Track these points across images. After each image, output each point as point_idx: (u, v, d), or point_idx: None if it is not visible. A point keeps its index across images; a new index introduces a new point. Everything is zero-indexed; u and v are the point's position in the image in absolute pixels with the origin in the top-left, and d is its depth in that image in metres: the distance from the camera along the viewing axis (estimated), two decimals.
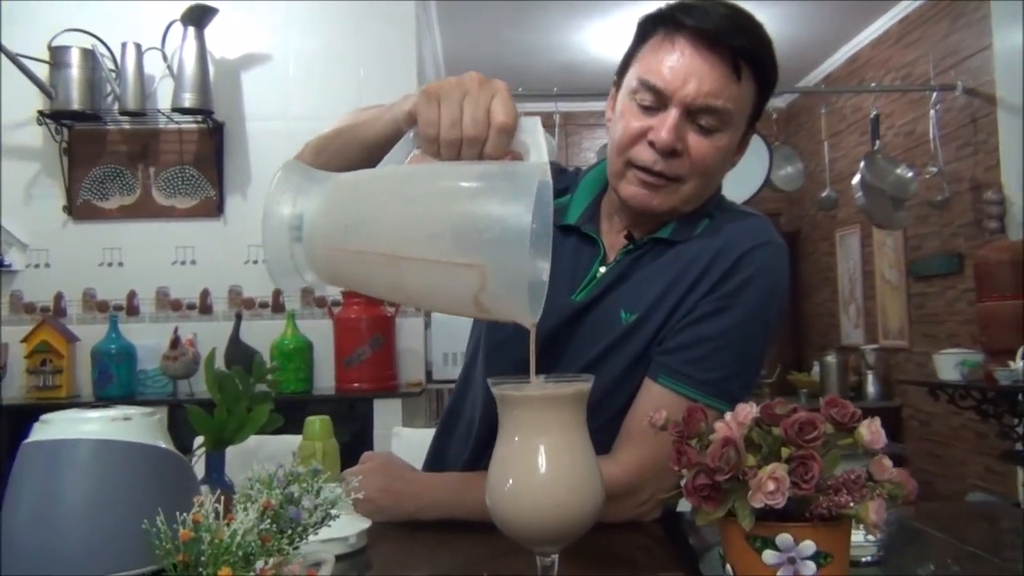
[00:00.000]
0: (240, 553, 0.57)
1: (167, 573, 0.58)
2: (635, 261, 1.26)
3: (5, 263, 4.16)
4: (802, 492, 0.62)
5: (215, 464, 2.58)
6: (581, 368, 1.22)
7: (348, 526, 1.04)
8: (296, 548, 0.70)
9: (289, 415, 2.34)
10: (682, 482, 0.71)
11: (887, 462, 0.69)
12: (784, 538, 0.64)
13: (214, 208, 4.18)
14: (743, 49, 1.16)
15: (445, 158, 0.90)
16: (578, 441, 0.79)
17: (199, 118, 4.03)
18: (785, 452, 0.64)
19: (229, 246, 4.17)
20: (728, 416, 0.69)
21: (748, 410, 0.68)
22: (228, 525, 0.60)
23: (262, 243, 0.90)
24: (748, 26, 1.18)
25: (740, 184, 4.56)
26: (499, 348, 1.32)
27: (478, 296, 0.74)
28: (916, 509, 1.33)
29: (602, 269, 1.28)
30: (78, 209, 4.16)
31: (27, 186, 4.16)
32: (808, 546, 0.64)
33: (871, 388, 5.52)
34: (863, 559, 0.95)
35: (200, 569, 0.56)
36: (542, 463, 0.77)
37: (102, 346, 3.93)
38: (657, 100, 1.18)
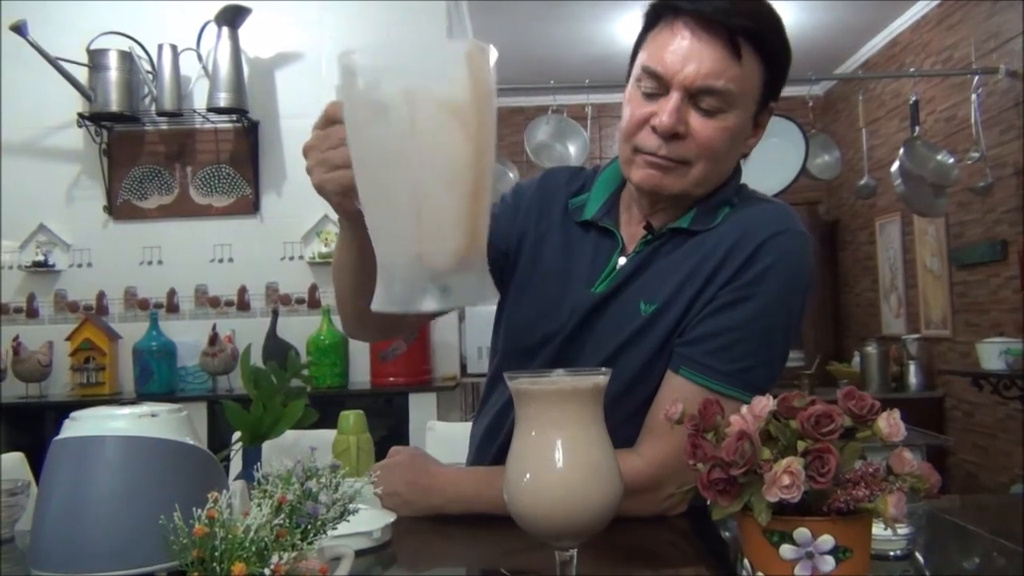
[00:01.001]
0: (253, 549, 0.57)
1: (186, 569, 0.58)
2: (654, 252, 1.25)
3: (49, 263, 4.24)
4: (819, 486, 0.62)
5: (252, 459, 2.61)
6: (602, 361, 1.21)
7: (373, 520, 1.05)
8: (311, 543, 0.70)
9: (325, 410, 2.36)
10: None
11: (907, 455, 0.68)
12: (802, 532, 0.63)
13: (250, 206, 4.22)
14: (742, 28, 1.15)
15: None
16: (595, 435, 0.79)
17: (234, 117, 4.08)
18: (802, 446, 0.63)
19: (265, 243, 4.21)
20: (744, 409, 0.68)
21: (764, 403, 0.67)
22: (243, 520, 0.60)
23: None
24: (748, 6, 1.17)
25: (776, 172, 4.50)
26: (519, 356, 1.33)
27: None
28: (960, 501, 1.30)
29: (621, 260, 1.28)
30: (118, 209, 4.23)
31: (69, 187, 4.24)
32: (826, 541, 0.63)
33: (913, 378, 5.42)
34: (891, 553, 0.93)
35: (215, 564, 0.56)
36: (558, 458, 0.77)
37: (143, 343, 4.00)
38: (659, 86, 1.19)
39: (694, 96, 1.17)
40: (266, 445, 2.59)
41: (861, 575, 0.64)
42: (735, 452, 0.63)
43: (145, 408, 0.99)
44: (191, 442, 1.01)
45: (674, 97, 1.16)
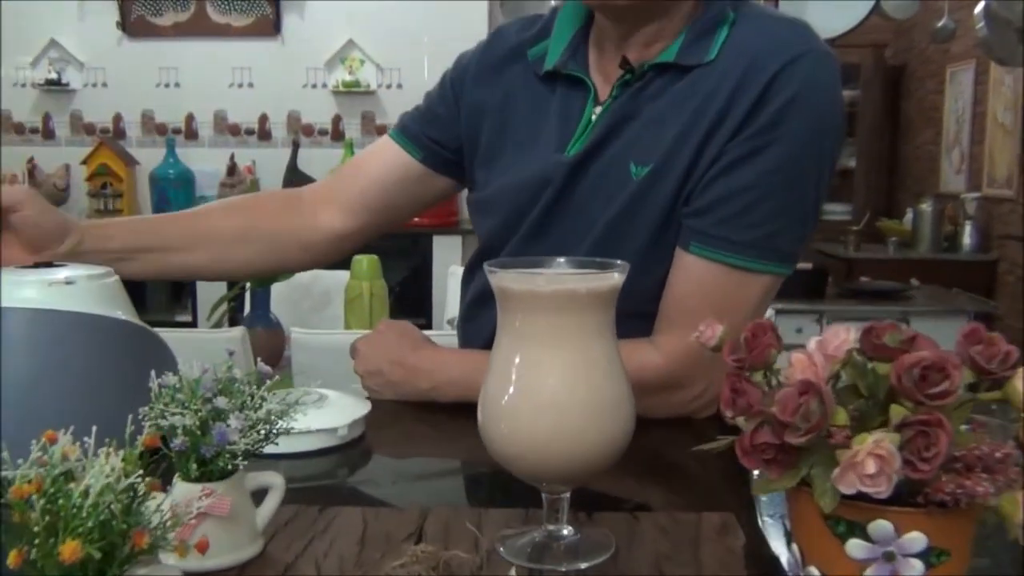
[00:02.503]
0: (92, 523, 0.40)
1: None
2: (637, 97, 0.99)
3: (63, 81, 4.04)
4: (919, 475, 0.42)
5: (260, 301, 2.47)
6: (590, 243, 0.99)
7: (339, 413, 0.88)
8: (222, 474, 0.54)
9: None
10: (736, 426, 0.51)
11: None
12: (881, 526, 0.44)
13: (270, 27, 3.94)
14: None
15: None
16: (601, 356, 0.59)
17: None
18: (897, 412, 0.43)
19: (287, 68, 3.96)
20: (812, 344, 0.47)
21: (843, 336, 0.46)
22: (92, 470, 0.43)
23: None
24: None
25: (842, 10, 4.08)
26: (481, 210, 1.12)
27: None
28: None
29: (596, 111, 1.02)
30: (132, 25, 3.98)
31: (80, 1, 3.98)
32: (916, 540, 0.44)
33: (967, 239, 5.14)
34: None
35: (36, 539, 0.40)
36: (552, 387, 0.58)
37: (160, 170, 3.85)
38: None
39: None
40: (282, 286, 2.46)
41: None
42: (795, 411, 0.44)
43: (60, 273, 0.82)
44: (121, 316, 0.84)
45: None
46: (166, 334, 1.96)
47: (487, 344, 1.10)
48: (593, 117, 1.02)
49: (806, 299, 3.74)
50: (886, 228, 5.48)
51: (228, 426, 0.56)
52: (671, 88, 0.98)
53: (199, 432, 0.56)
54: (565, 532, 0.63)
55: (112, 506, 0.42)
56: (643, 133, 0.98)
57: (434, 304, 3.48)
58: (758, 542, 0.67)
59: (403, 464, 0.92)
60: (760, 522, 0.71)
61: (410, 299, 3.52)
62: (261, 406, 0.59)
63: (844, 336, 0.47)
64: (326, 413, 0.88)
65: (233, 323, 2.65)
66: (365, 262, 2.50)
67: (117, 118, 4.09)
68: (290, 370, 2.05)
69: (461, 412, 0.97)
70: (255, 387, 0.60)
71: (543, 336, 0.59)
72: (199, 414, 0.56)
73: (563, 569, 0.60)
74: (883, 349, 0.46)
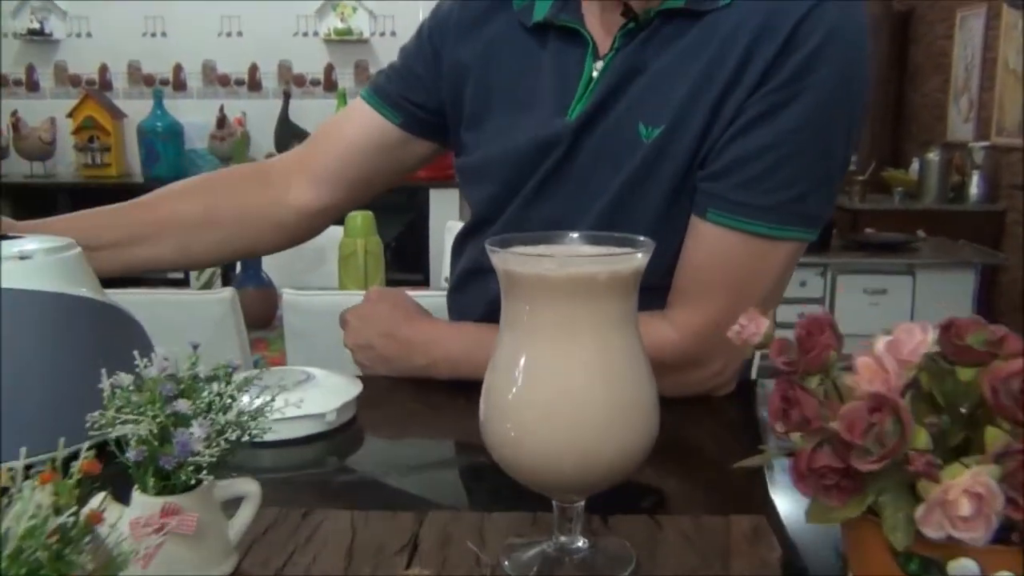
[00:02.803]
0: (22, 571, 0.33)
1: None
2: (642, 49, 0.90)
3: (46, 31, 3.91)
4: (1021, 515, 0.34)
5: (252, 260, 2.39)
6: (597, 213, 0.91)
7: (326, 397, 0.81)
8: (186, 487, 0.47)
9: None
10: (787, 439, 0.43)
11: None
12: (964, 566, 0.37)
13: None
14: None
15: None
16: (621, 351, 0.51)
17: None
18: (994, 437, 0.35)
19: (277, 16, 3.82)
20: (881, 346, 0.39)
21: (919, 336, 0.39)
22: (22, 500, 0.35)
23: None
24: None
25: None
26: (472, 178, 1.03)
27: None
28: None
29: (597, 67, 0.92)
30: None
31: None
32: None
33: (974, 189, 5.04)
34: None
35: None
36: (565, 388, 0.50)
37: (148, 123, 3.74)
38: None
39: None
40: None
41: None
42: (866, 432, 0.36)
43: (15, 246, 0.73)
44: (85, 293, 0.76)
45: None
46: (153, 296, 1.87)
47: (479, 319, 1.03)
48: (595, 74, 0.92)
49: (810, 252, 3.62)
50: (892, 178, 5.38)
51: (191, 434, 0.48)
52: (681, 37, 0.88)
53: (156, 442, 0.48)
54: (579, 544, 0.56)
55: (39, 553, 0.35)
56: (652, 90, 0.89)
57: (431, 260, 3.40)
58: (790, 550, 0.60)
59: (397, 451, 0.84)
60: None
61: (407, 255, 3.44)
62: (231, 407, 0.51)
63: (920, 336, 0.39)
64: (313, 396, 0.81)
65: (226, 282, 2.57)
66: (359, 218, 2.41)
67: (103, 69, 3.96)
68: (282, 331, 1.98)
69: (460, 390, 0.90)
70: (224, 384, 0.52)
71: (555, 328, 0.51)
72: (157, 420, 0.48)
73: None
74: (966, 352, 0.38)
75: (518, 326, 0.52)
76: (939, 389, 0.39)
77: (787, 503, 0.66)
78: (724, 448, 0.83)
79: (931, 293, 4.00)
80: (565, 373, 0.51)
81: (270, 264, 2.46)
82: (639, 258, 0.51)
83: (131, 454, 0.48)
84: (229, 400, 0.52)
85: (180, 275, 3.69)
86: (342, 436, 0.82)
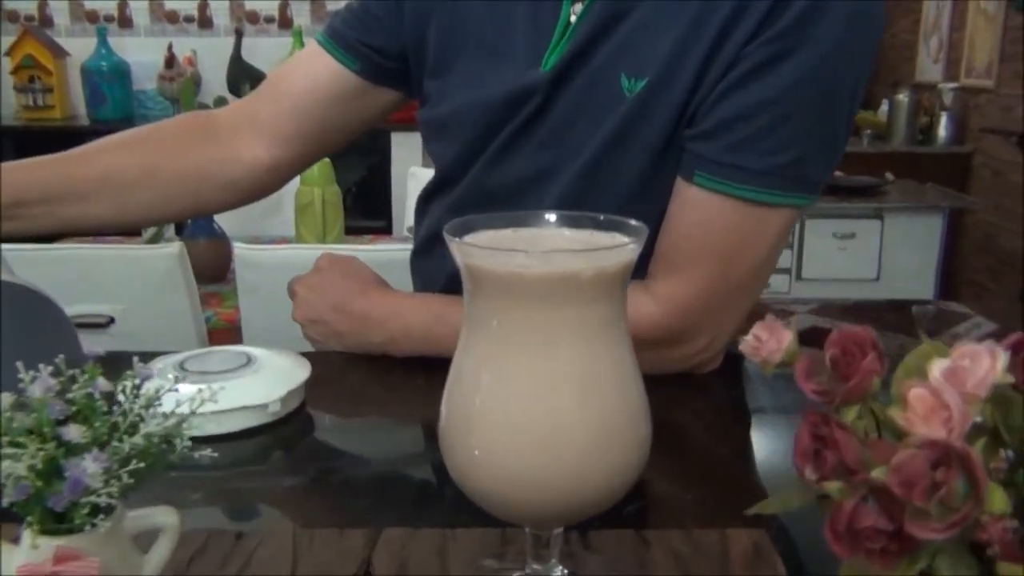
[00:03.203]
0: None
1: None
2: None
3: None
4: None
5: None
6: (575, 173, 0.82)
7: (270, 384, 0.72)
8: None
9: None
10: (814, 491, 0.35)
11: None
12: None
13: None
14: None
15: None
16: (608, 361, 0.43)
17: None
18: None
19: None
20: (938, 374, 0.31)
21: (987, 364, 0.31)
22: None
23: None
24: None
25: None
26: (436, 132, 0.94)
27: None
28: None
29: (576, 9, 0.83)
30: None
31: None
32: None
33: (943, 131, 5.02)
34: None
35: None
36: (541, 405, 0.42)
37: (92, 63, 3.55)
38: None
39: None
40: None
41: None
42: (928, 491, 0.28)
43: None
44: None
45: None
46: (96, 251, 1.74)
47: (444, 290, 0.94)
48: (572, 19, 0.82)
49: None
50: (861, 119, 5.31)
51: (84, 469, 0.39)
52: None
53: (40, 481, 0.39)
54: (556, 573, 0.48)
55: None
56: (636, 37, 0.79)
57: (393, 206, 3.28)
58: (791, 560, 0.53)
59: (348, 444, 0.76)
60: None
61: (368, 201, 3.32)
62: (138, 429, 0.43)
63: (988, 364, 0.31)
64: (254, 383, 0.72)
65: (178, 233, 2.45)
66: (316, 167, 2.28)
67: (42, 4, 3.74)
68: (235, 287, 1.88)
69: (419, 368, 0.82)
70: (131, 400, 0.43)
71: (529, 335, 0.42)
72: (42, 452, 0.39)
73: None
74: None
75: (483, 328, 0.44)
76: (1005, 425, 0.31)
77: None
78: (714, 435, 0.76)
79: (899, 236, 3.99)
80: (541, 388, 0.42)
81: (223, 214, 2.34)
82: (631, 249, 0.43)
83: (10, 493, 0.39)
84: (137, 419, 0.43)
85: None
86: (287, 428, 0.73)
